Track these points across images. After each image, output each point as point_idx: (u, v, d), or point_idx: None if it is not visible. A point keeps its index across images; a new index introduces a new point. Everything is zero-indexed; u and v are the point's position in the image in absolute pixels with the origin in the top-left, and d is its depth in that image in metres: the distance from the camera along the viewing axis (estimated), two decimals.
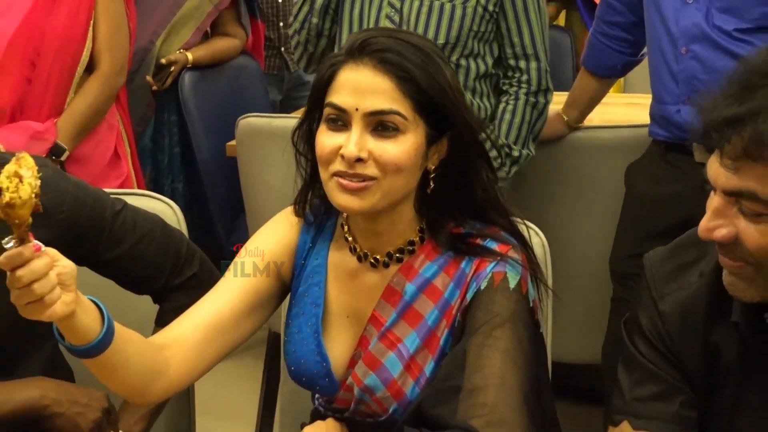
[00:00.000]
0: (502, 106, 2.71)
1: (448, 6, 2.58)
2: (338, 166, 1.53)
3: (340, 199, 1.55)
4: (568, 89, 3.21)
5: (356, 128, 1.52)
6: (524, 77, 2.69)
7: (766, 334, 1.43)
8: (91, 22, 2.62)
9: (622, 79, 3.35)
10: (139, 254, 1.85)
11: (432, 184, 1.60)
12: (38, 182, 1.31)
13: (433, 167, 1.60)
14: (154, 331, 1.89)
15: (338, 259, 1.70)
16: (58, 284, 1.35)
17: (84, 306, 1.43)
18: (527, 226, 1.72)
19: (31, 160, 1.30)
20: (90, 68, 2.65)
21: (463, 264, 1.61)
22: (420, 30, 2.58)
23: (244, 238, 3.19)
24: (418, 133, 1.54)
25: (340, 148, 1.53)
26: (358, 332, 1.66)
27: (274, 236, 1.74)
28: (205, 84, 3.66)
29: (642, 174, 2.68)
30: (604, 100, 3.02)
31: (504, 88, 2.72)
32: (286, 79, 4.31)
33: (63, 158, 2.55)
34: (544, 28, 2.70)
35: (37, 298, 1.33)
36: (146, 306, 1.93)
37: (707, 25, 2.40)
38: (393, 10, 2.61)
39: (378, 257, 1.65)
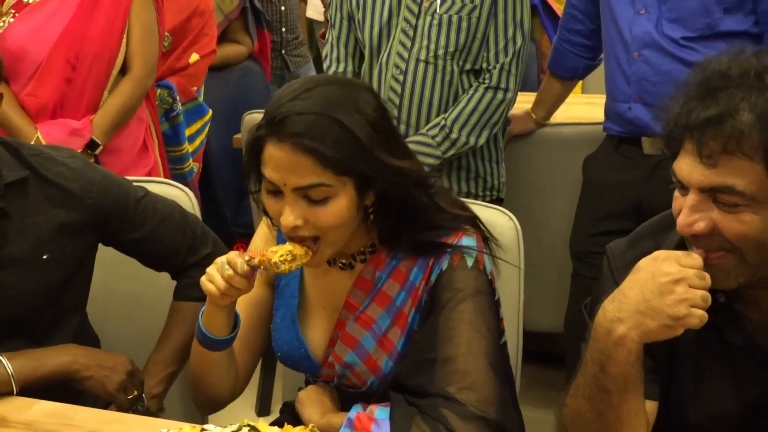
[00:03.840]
0: None
1: (455, 18, 2.56)
2: (285, 229, 1.51)
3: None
4: (534, 91, 3.21)
5: (289, 199, 1.48)
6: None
7: (718, 312, 1.41)
8: (126, 28, 2.59)
9: (581, 82, 3.34)
10: (159, 235, 1.85)
11: (372, 216, 1.57)
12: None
13: (370, 203, 1.55)
14: (172, 305, 1.91)
15: None
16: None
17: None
18: (501, 211, 1.71)
19: None
20: (123, 70, 2.62)
21: None
22: (432, 39, 2.57)
23: (247, 219, 3.20)
24: (347, 191, 1.49)
25: (281, 214, 1.50)
26: (334, 319, 1.64)
27: (262, 242, 1.72)
28: (215, 84, 3.62)
29: (597, 164, 2.69)
30: (566, 100, 3.01)
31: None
32: (287, 78, 4.29)
33: (97, 152, 2.53)
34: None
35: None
36: (165, 282, 1.93)
37: (657, 33, 2.41)
38: (408, 25, 2.60)
39: (344, 261, 1.63)
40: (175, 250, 1.86)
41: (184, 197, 2.03)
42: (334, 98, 1.47)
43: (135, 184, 1.89)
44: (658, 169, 2.45)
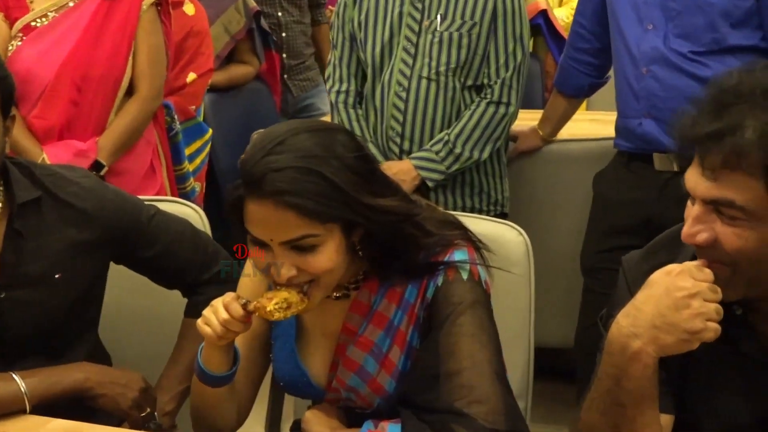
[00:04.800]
0: None
1: (456, 35, 2.59)
2: (279, 281, 1.48)
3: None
4: (538, 108, 3.21)
5: (278, 252, 1.44)
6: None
7: (733, 324, 1.40)
8: (132, 51, 2.58)
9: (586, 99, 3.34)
10: (172, 253, 1.84)
11: (360, 252, 1.52)
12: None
13: (357, 239, 1.50)
14: (184, 322, 1.89)
15: None
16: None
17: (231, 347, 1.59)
18: (510, 226, 1.68)
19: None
20: (130, 91, 2.60)
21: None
22: (434, 57, 2.60)
23: None
24: (334, 235, 1.45)
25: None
26: (333, 345, 1.61)
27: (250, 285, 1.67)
28: (223, 104, 3.63)
29: (608, 180, 2.67)
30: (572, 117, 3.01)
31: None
32: (290, 102, 4.29)
33: (102, 173, 2.51)
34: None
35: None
36: (176, 299, 1.91)
37: (665, 49, 2.41)
38: (409, 43, 2.62)
39: (338, 293, 1.59)
40: (188, 267, 1.85)
41: (195, 215, 2.02)
42: (308, 148, 1.42)
43: (147, 202, 1.88)
44: (669, 185, 2.44)
